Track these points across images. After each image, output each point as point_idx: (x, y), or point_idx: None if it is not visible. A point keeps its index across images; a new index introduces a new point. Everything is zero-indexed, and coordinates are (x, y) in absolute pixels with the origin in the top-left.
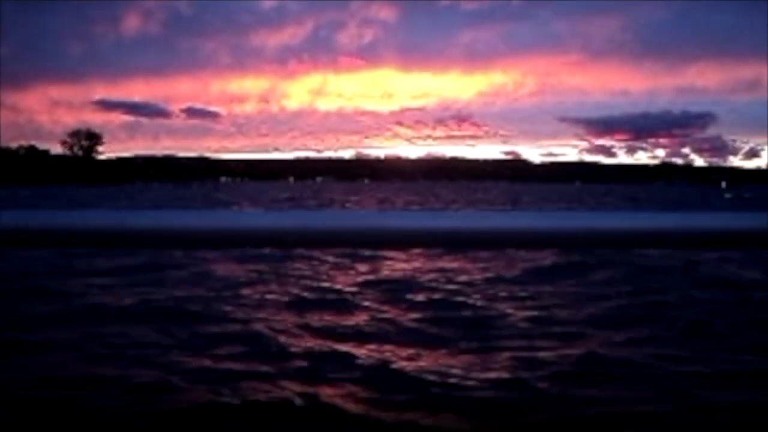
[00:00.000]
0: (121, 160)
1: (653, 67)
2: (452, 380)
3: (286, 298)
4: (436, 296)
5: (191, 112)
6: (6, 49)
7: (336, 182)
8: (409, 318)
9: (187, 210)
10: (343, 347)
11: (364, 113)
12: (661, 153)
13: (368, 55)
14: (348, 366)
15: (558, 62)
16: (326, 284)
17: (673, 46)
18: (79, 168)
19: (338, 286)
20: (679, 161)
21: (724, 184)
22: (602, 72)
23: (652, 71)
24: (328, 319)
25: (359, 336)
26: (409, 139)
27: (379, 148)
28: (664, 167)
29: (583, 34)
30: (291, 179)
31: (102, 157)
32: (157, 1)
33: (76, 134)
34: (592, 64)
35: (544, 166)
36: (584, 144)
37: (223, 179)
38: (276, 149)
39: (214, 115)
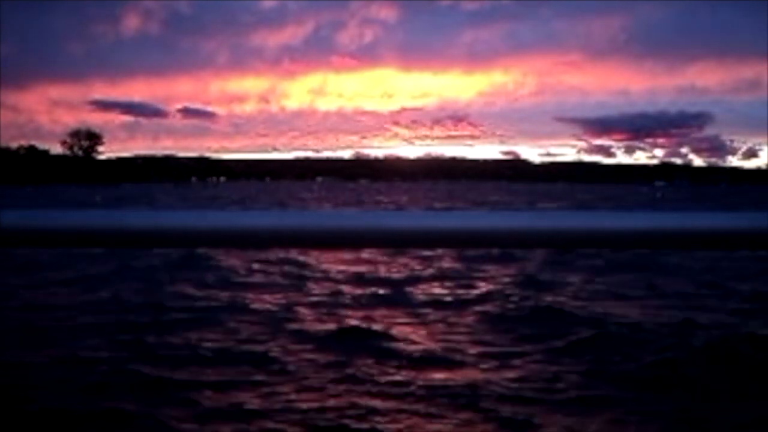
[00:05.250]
0: (121, 160)
1: (653, 67)
2: None
3: None
4: None
5: (187, 112)
6: (6, 49)
7: (335, 182)
8: None
9: (187, 210)
10: None
11: (364, 113)
12: (659, 153)
13: (368, 55)
14: None
15: (558, 62)
16: None
17: (673, 46)
18: (79, 168)
19: None
20: (678, 161)
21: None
22: (602, 72)
23: (652, 71)
24: None
25: None
26: (408, 139)
27: (379, 148)
28: (663, 167)
29: (584, 34)
30: (286, 180)
31: (102, 157)
32: (157, 1)
33: (76, 134)
34: (592, 64)
35: (543, 166)
36: (582, 144)
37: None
38: (275, 149)
39: (210, 115)
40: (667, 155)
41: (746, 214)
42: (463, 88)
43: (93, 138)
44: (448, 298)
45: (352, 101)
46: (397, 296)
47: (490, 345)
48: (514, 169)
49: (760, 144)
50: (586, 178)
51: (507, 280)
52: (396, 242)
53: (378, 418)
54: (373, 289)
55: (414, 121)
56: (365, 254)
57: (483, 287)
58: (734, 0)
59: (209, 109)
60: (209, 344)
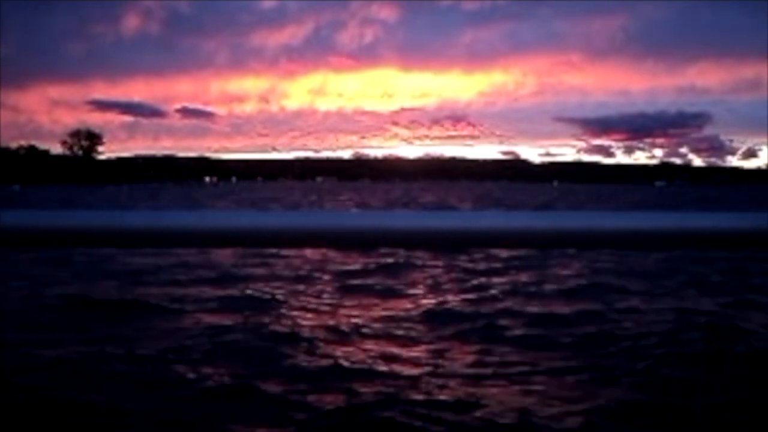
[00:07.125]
0: (121, 160)
1: (653, 67)
2: None
3: None
4: None
5: (187, 112)
6: (6, 49)
7: (335, 182)
8: None
9: (187, 210)
10: None
11: (363, 113)
12: (659, 153)
13: (368, 55)
14: None
15: (558, 62)
16: None
17: (673, 46)
18: (79, 168)
19: None
20: (677, 161)
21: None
22: (602, 72)
23: (652, 71)
24: None
25: None
26: (407, 139)
27: (379, 148)
28: (663, 167)
29: (584, 34)
30: (282, 179)
31: (102, 157)
32: (157, 1)
33: (76, 134)
34: (592, 64)
35: (543, 166)
36: (582, 144)
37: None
38: (275, 149)
39: (210, 115)
40: (666, 155)
41: (746, 214)
42: (462, 88)
43: (93, 138)
44: None
45: (352, 101)
46: None
47: None
48: (513, 169)
49: (759, 144)
50: (586, 178)
51: None
52: (396, 242)
53: None
54: None
55: (413, 121)
56: None
57: None
58: (734, 0)
59: (209, 109)
60: None
